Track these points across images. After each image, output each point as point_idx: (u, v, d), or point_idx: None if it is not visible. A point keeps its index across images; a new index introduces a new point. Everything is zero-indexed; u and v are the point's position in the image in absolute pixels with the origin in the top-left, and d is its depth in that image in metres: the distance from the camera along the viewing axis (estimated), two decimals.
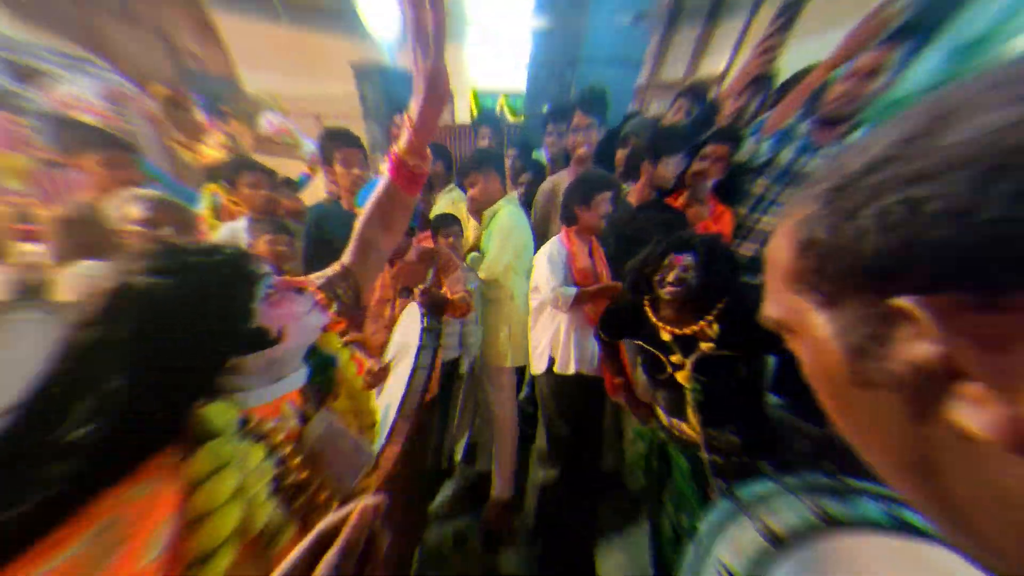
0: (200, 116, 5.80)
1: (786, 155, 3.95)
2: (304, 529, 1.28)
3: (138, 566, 1.05)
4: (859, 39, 3.28)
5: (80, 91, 5.29)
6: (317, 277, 1.77)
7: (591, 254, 4.20)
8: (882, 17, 3.18)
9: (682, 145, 4.13)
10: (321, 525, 0.83)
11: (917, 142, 0.54)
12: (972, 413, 0.51)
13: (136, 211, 2.76)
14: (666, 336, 3.16)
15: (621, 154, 4.67)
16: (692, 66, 10.05)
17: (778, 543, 1.61)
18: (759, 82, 4.32)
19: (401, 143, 1.69)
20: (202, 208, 4.69)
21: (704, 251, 3.11)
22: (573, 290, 4.08)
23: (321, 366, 1.53)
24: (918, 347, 0.53)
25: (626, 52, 6.01)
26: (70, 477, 1.06)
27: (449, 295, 3.74)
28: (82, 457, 1.07)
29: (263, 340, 1.31)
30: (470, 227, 4.89)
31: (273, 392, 1.35)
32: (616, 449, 3.80)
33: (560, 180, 4.75)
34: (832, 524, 1.62)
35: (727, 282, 3.14)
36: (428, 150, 1.73)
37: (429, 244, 4.24)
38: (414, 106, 1.64)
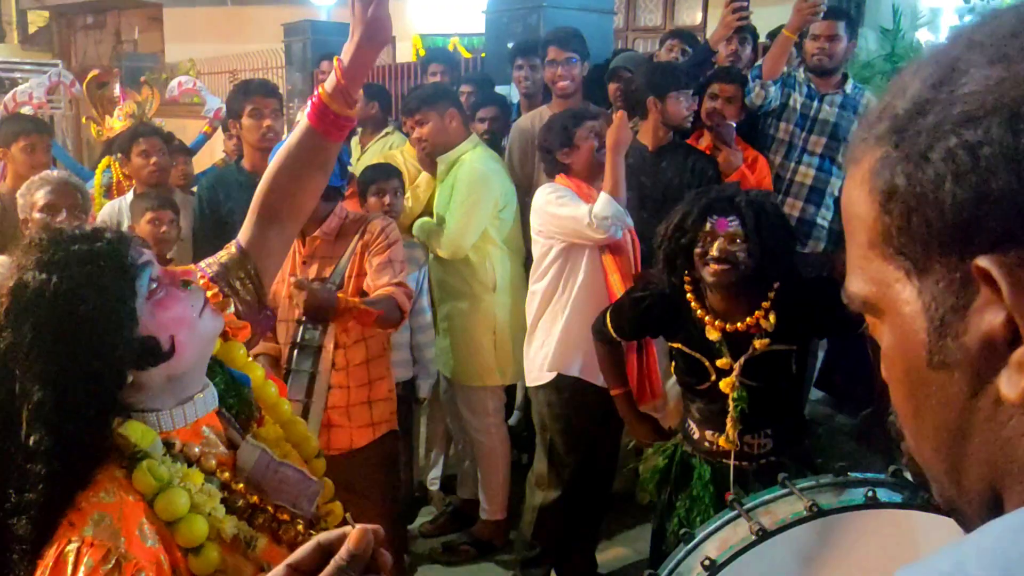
0: (115, 90, 5.89)
1: (797, 100, 4.17)
2: (276, 539, 1.27)
3: (149, 548, 1.10)
4: (802, 14, 3.79)
5: (31, 88, 6.17)
6: (207, 265, 1.58)
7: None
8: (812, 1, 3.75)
9: (688, 80, 3.81)
10: (320, 537, 0.76)
11: (943, 88, 0.48)
12: (1014, 378, 0.46)
13: (39, 197, 2.90)
14: (714, 335, 2.55)
15: (614, 87, 4.34)
16: (666, 15, 9.86)
17: (763, 535, 1.74)
18: (743, 31, 4.51)
19: (327, 84, 1.54)
20: (92, 186, 4.55)
21: (753, 215, 2.45)
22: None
23: (230, 388, 1.39)
24: (989, 315, 0.46)
25: (591, 3, 5.62)
26: (46, 477, 1.09)
27: (354, 295, 2.79)
28: (46, 460, 1.09)
29: (153, 352, 1.21)
30: (415, 188, 4.00)
31: (185, 415, 1.27)
32: (631, 467, 3.09)
33: (542, 115, 4.10)
34: (819, 515, 1.75)
35: (783, 256, 2.54)
36: (358, 96, 1.60)
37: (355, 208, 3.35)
38: (347, 48, 1.53)
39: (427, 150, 3.72)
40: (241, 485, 1.27)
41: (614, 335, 2.83)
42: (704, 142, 3.99)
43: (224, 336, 1.42)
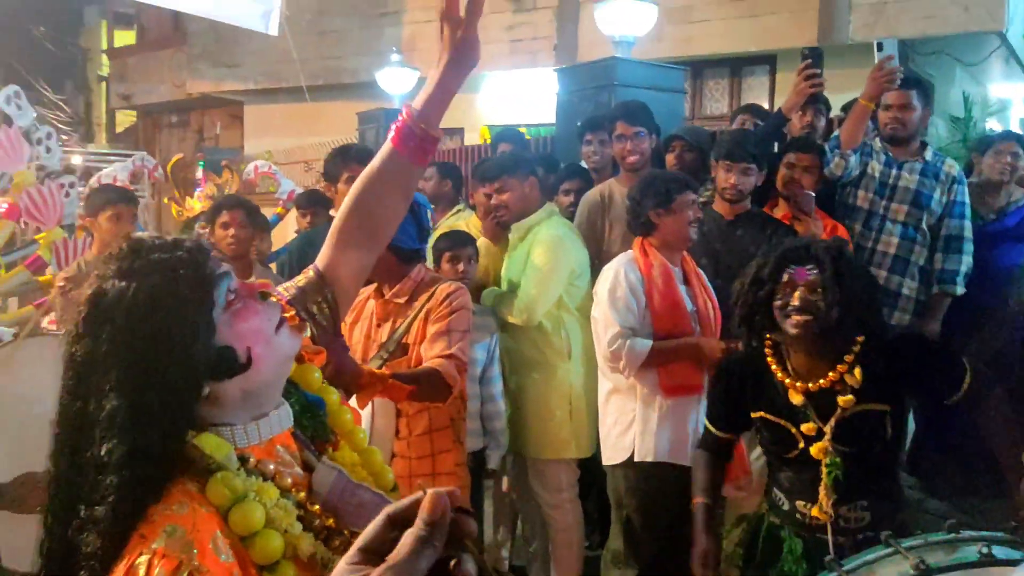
0: (197, 173, 6.45)
1: (875, 168, 4.12)
2: None
3: (222, 563, 1.06)
4: (878, 82, 3.77)
5: (115, 171, 6.50)
6: (285, 289, 1.55)
7: (686, 280, 3.36)
8: (887, 69, 3.72)
9: (761, 148, 3.78)
10: (388, 509, 0.65)
11: None
12: None
13: None
14: (797, 398, 2.40)
15: (670, 159, 4.34)
16: (732, 103, 9.94)
17: None
18: (817, 102, 4.52)
19: (414, 103, 1.53)
20: None
21: (831, 262, 2.34)
22: (645, 344, 3.19)
23: (307, 408, 1.37)
24: None
25: (661, 82, 5.74)
26: (118, 487, 1.06)
27: (416, 363, 2.68)
28: (118, 471, 1.07)
29: (230, 363, 1.18)
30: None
31: (260, 431, 1.23)
32: None
33: (611, 188, 4.12)
34: (928, 574, 1.65)
35: (866, 305, 2.40)
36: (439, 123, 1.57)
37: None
38: (434, 73, 1.53)
39: (504, 218, 3.71)
40: (317, 507, 1.22)
41: (713, 429, 2.67)
42: (779, 211, 3.93)
43: (299, 359, 1.38)
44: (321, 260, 1.59)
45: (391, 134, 1.55)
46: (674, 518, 3.23)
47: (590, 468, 3.77)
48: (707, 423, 2.69)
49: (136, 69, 17.60)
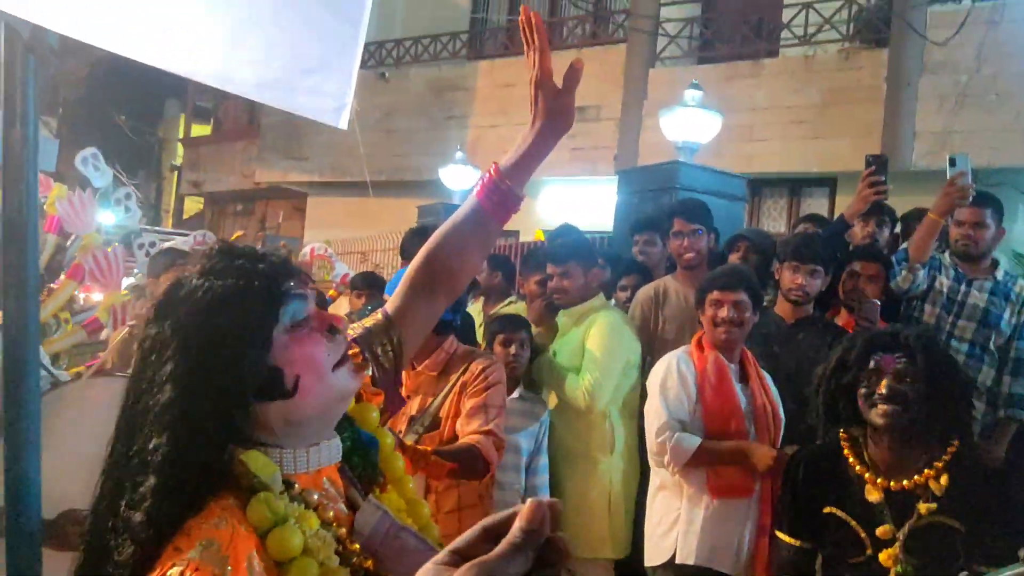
0: None
1: (944, 283, 4.00)
2: None
3: None
4: (950, 198, 3.66)
5: (176, 245, 6.41)
6: (352, 328, 1.53)
7: (745, 379, 3.24)
8: (960, 185, 3.61)
9: (825, 253, 3.72)
10: (485, 521, 0.63)
11: None
12: None
13: None
14: (874, 495, 2.25)
15: (734, 258, 4.31)
16: (790, 221, 9.94)
17: None
18: (881, 211, 4.46)
19: (504, 161, 1.55)
20: None
21: (922, 350, 2.23)
22: (693, 441, 3.06)
23: (359, 446, 1.34)
24: None
25: (722, 188, 5.79)
26: (157, 490, 1.05)
27: (449, 437, 2.64)
28: (159, 471, 1.06)
29: (274, 385, 1.15)
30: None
31: (308, 460, 1.21)
32: None
33: (666, 284, 4.10)
34: None
35: (958, 403, 2.28)
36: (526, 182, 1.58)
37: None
38: (526, 134, 1.54)
39: (560, 301, 3.68)
40: (357, 546, 1.17)
41: (787, 538, 2.45)
42: (841, 319, 3.84)
43: (359, 398, 1.36)
44: (391, 305, 1.59)
45: (476, 187, 1.55)
46: None
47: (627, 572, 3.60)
48: (779, 535, 2.48)
49: (208, 158, 18.32)
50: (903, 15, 8.74)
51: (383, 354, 1.52)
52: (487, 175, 1.53)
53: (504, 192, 1.52)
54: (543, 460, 3.49)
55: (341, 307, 6.41)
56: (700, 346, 3.22)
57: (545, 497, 0.54)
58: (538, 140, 1.52)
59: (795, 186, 10.63)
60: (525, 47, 1.50)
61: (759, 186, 10.64)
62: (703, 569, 3.04)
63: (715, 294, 3.16)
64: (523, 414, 3.41)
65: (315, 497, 1.17)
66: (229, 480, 1.11)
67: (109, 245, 4.57)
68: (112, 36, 3.25)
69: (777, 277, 3.75)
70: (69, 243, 4.46)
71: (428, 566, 0.59)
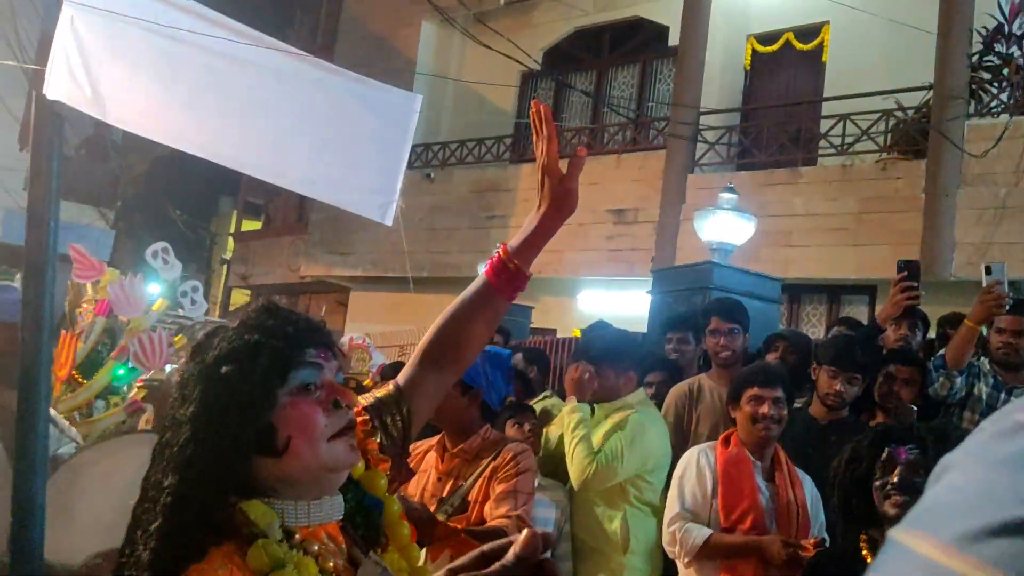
0: None
1: (983, 390, 3.99)
2: None
3: None
4: (987, 306, 3.64)
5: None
6: (364, 398, 1.62)
7: (772, 476, 3.21)
8: (996, 293, 3.62)
9: (864, 360, 3.72)
10: (484, 547, 0.72)
11: None
12: None
13: None
14: None
15: (771, 358, 4.31)
16: (829, 319, 9.86)
17: None
18: (913, 315, 4.38)
19: (511, 242, 1.64)
20: None
21: (934, 442, 2.24)
22: (703, 532, 3.06)
23: (362, 507, 1.39)
24: None
25: (757, 290, 5.85)
26: (162, 531, 1.12)
27: (476, 521, 2.64)
28: (166, 511, 1.12)
29: (265, 442, 1.22)
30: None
31: (309, 514, 1.25)
32: None
33: (700, 382, 4.13)
34: None
35: None
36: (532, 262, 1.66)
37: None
38: (532, 217, 1.63)
39: (591, 397, 3.69)
40: None
41: None
42: (875, 422, 3.79)
43: (367, 464, 1.42)
44: (402, 377, 1.66)
45: (485, 268, 1.64)
46: None
47: None
48: None
49: (257, 252, 18.82)
50: (940, 128, 8.86)
51: (392, 423, 1.59)
52: (496, 255, 1.62)
53: (512, 271, 1.60)
54: (566, 547, 3.47)
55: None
56: (726, 442, 3.21)
57: (541, 529, 0.59)
58: (543, 222, 1.61)
59: (834, 293, 10.61)
60: (534, 137, 1.61)
61: (798, 291, 10.64)
62: None
63: (755, 390, 3.16)
64: (542, 502, 3.41)
65: (315, 547, 1.22)
66: (231, 530, 1.17)
67: (155, 328, 4.72)
68: (171, 132, 3.48)
69: (814, 379, 3.74)
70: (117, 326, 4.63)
71: None
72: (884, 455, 2.27)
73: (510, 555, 0.64)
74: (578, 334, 10.66)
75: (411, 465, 2.91)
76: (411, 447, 3.01)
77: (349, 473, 1.35)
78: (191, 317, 5.76)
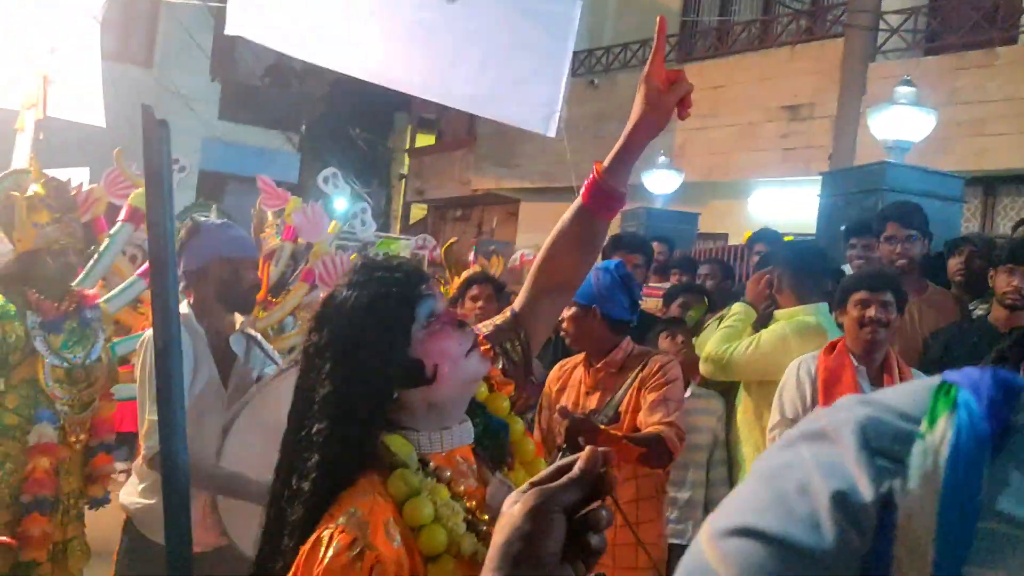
0: (469, 257, 6.95)
1: None
2: None
3: (392, 546, 1.23)
4: None
5: (400, 249, 7.57)
6: (484, 326, 1.71)
7: (880, 380, 3.08)
8: None
9: None
10: (560, 461, 0.80)
11: None
12: None
13: None
14: None
15: (956, 261, 4.09)
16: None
17: None
18: None
19: (605, 161, 1.62)
20: None
21: None
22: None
23: (490, 429, 1.49)
24: None
25: (936, 189, 5.46)
26: (319, 466, 1.28)
27: (628, 430, 2.74)
28: (321, 450, 1.28)
29: (417, 374, 1.35)
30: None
31: (442, 441, 1.39)
32: None
33: None
34: None
35: None
36: (628, 177, 1.66)
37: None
38: (626, 128, 1.60)
39: (771, 304, 3.73)
40: (486, 517, 1.33)
41: None
42: None
43: (490, 387, 1.54)
44: (517, 304, 1.74)
45: (583, 189, 1.66)
46: None
47: None
48: None
49: (431, 167, 19.42)
50: None
51: (512, 348, 1.67)
52: (591, 176, 1.64)
53: (606, 191, 1.61)
54: (722, 454, 3.55)
55: None
56: (831, 348, 3.16)
57: (602, 448, 0.70)
58: (632, 135, 1.60)
59: None
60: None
61: (993, 184, 9.88)
62: None
63: (861, 294, 3.08)
64: (698, 411, 3.49)
65: (447, 473, 1.35)
66: (375, 460, 1.32)
67: (340, 253, 5.09)
68: (343, 59, 3.70)
69: (992, 284, 3.56)
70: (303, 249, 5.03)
71: (513, 493, 0.77)
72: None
73: (576, 469, 0.75)
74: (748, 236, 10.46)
75: (560, 382, 3.07)
76: (560, 364, 3.18)
77: (475, 398, 1.47)
78: (360, 238, 6.13)
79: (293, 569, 1.22)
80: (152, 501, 2.54)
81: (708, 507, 3.48)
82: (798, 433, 0.51)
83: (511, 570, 0.71)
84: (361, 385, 1.31)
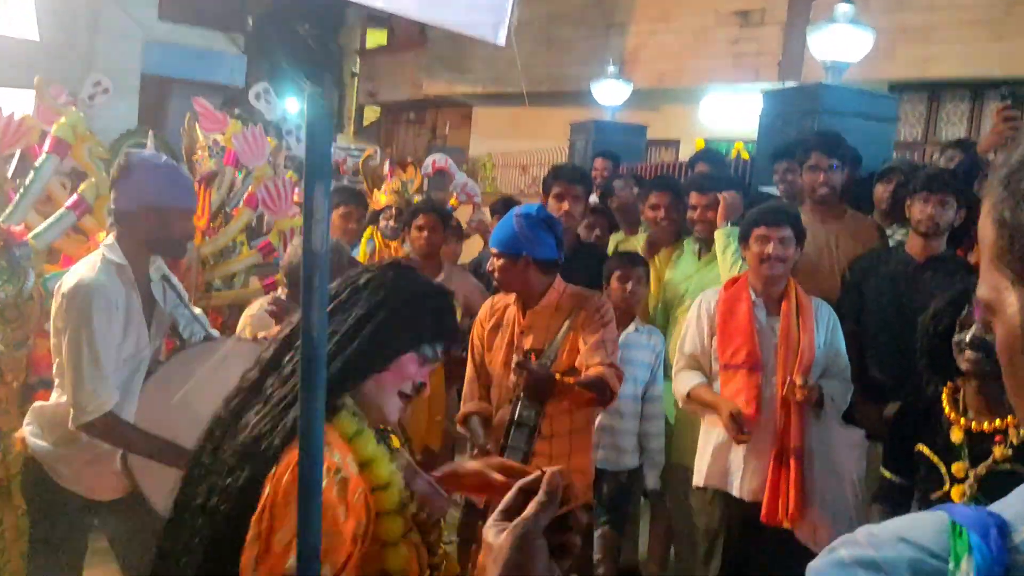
0: (384, 168, 6.61)
1: None
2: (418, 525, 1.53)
3: (357, 494, 1.36)
4: None
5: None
6: None
7: (778, 312, 3.19)
8: None
9: (958, 184, 3.54)
10: (520, 483, 0.92)
11: None
12: None
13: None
14: (957, 436, 2.39)
15: (882, 189, 4.17)
16: (971, 127, 9.30)
17: None
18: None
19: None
20: (359, 250, 5.10)
21: None
22: (689, 382, 3.24)
23: None
24: None
25: (871, 109, 5.50)
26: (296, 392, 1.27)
27: (565, 368, 2.88)
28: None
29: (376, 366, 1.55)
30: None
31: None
32: None
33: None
34: None
35: None
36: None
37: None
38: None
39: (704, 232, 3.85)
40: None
41: (887, 474, 2.64)
42: (974, 257, 3.70)
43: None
44: None
45: None
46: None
47: None
48: (881, 470, 2.67)
49: (383, 69, 19.02)
50: None
51: None
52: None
53: None
54: (659, 388, 3.66)
55: (462, 216, 6.73)
56: (732, 283, 3.28)
57: (556, 468, 0.84)
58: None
59: (977, 90, 9.88)
60: None
61: (938, 90, 9.99)
62: (727, 494, 3.19)
63: (761, 230, 3.15)
64: (640, 347, 3.61)
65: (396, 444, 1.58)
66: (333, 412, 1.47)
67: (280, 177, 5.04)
68: None
69: (908, 214, 3.59)
70: (243, 176, 4.97)
71: (490, 522, 0.89)
72: (964, 313, 2.35)
73: (541, 494, 0.88)
74: (701, 144, 10.48)
75: (493, 319, 3.16)
76: (491, 300, 3.25)
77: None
78: (298, 156, 6.03)
79: (271, 494, 1.31)
80: (47, 444, 2.55)
81: (641, 438, 3.65)
82: (851, 557, 0.65)
83: None
84: (359, 352, 1.47)
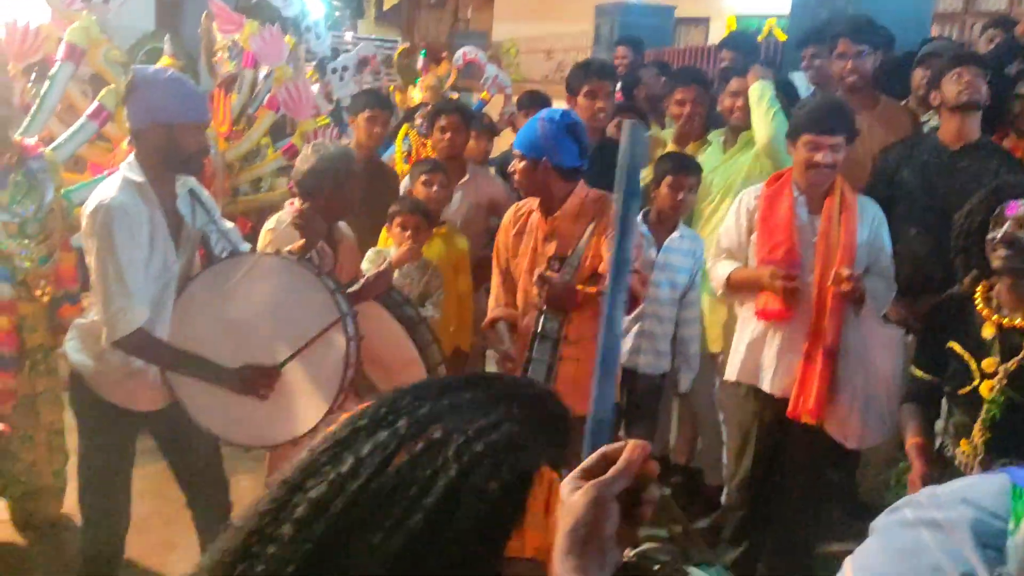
0: (418, 63, 6.53)
1: None
2: None
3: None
4: None
5: (346, 61, 6.68)
6: None
7: (820, 211, 3.11)
8: None
9: (982, 60, 3.40)
10: (604, 448, 0.93)
11: None
12: None
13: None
14: (989, 331, 2.40)
15: (921, 74, 3.98)
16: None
17: None
18: None
19: None
20: (395, 151, 5.01)
21: None
22: (727, 268, 3.24)
23: None
24: None
25: None
26: None
27: (589, 273, 2.86)
28: None
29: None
30: None
31: None
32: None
33: None
34: None
35: None
36: None
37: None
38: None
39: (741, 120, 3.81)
40: None
41: (918, 372, 2.65)
42: (1010, 142, 3.60)
43: None
44: None
45: None
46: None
47: None
48: (912, 369, 2.69)
49: None
50: None
51: None
52: None
53: None
54: (696, 294, 3.65)
55: (494, 108, 6.61)
56: (776, 179, 3.21)
57: (641, 441, 0.93)
58: None
59: None
60: None
61: None
62: (758, 390, 3.23)
63: (810, 136, 3.03)
64: (682, 252, 3.57)
65: None
66: None
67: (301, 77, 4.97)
68: None
69: (935, 104, 3.47)
70: (263, 75, 4.90)
71: (568, 479, 0.92)
72: (997, 210, 2.33)
73: (621, 461, 0.91)
74: (733, 23, 10.09)
75: (517, 226, 3.16)
76: (515, 207, 3.24)
77: None
78: (316, 52, 5.95)
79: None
80: (87, 359, 2.59)
81: (675, 342, 3.66)
82: (915, 518, 0.69)
83: (579, 551, 0.87)
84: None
